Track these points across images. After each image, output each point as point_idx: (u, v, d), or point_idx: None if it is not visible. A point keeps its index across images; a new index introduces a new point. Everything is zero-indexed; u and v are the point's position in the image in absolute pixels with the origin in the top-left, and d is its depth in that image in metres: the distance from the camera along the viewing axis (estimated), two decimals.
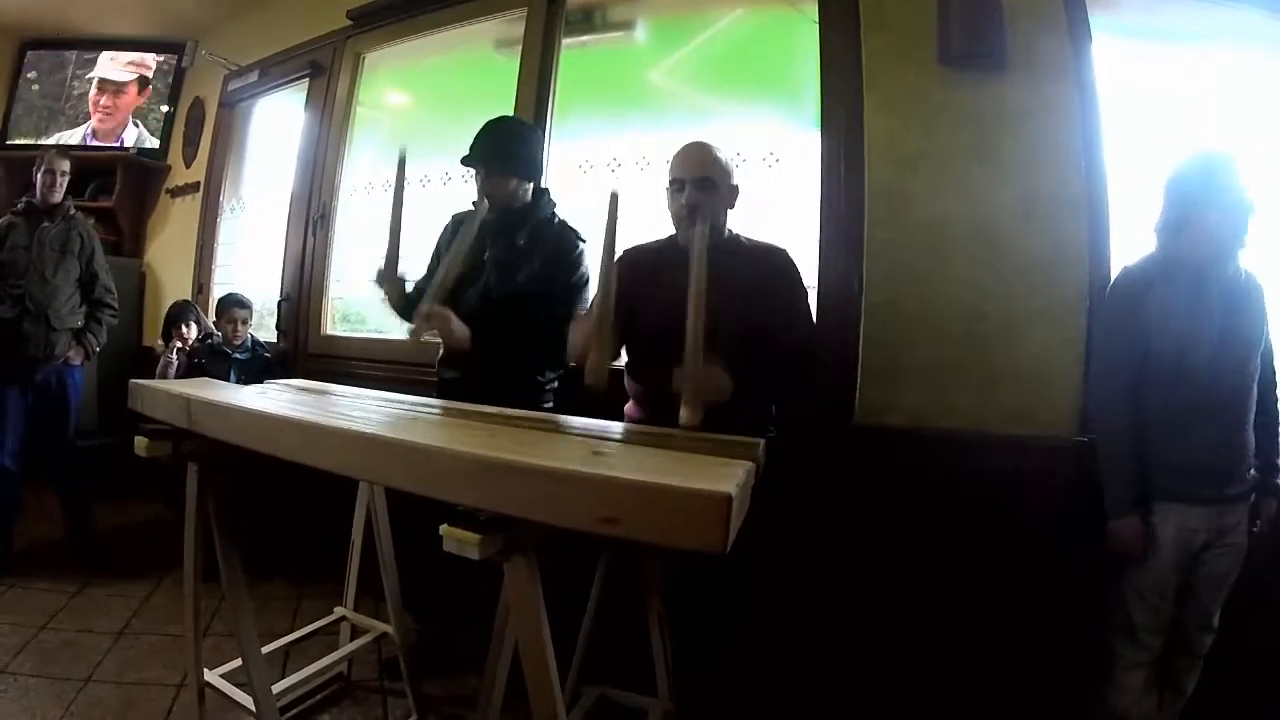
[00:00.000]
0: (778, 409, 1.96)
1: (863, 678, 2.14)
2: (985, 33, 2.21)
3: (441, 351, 2.33)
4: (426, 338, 2.08)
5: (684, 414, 1.52)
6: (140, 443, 1.57)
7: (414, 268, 2.25)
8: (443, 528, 1.03)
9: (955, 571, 2.12)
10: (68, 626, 2.60)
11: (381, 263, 2.11)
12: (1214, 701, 1.94)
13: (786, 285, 1.89)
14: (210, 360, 3.25)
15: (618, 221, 1.60)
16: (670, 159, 1.92)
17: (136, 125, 4.83)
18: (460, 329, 2.08)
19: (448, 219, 2.40)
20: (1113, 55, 2.27)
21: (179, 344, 3.49)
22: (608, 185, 2.76)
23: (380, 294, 2.15)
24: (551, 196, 2.33)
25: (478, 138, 2.19)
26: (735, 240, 1.94)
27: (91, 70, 4.84)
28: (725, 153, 1.89)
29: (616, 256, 1.92)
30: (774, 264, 1.91)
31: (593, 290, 2.17)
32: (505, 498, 1.00)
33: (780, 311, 1.84)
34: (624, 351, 1.99)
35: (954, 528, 2.12)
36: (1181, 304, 1.83)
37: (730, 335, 1.60)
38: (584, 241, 2.24)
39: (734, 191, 1.91)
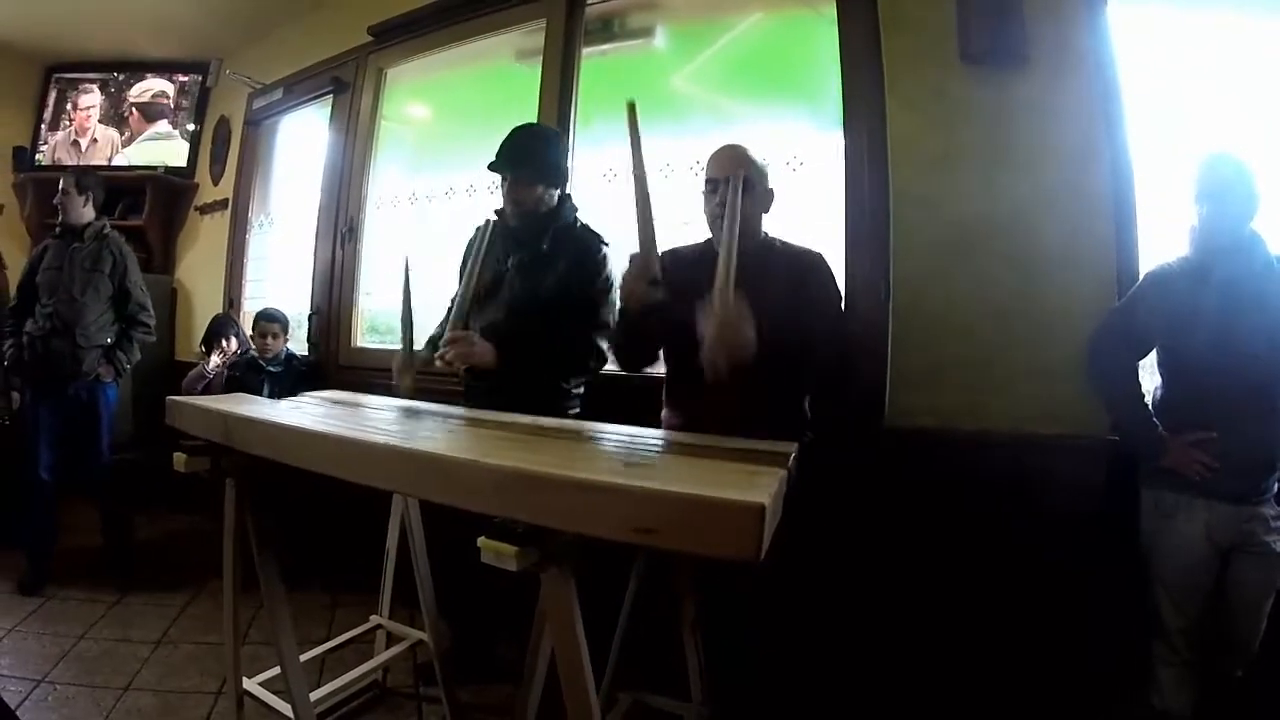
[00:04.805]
0: (814, 410, 1.95)
1: (895, 680, 2.13)
2: (1005, 29, 2.19)
3: None
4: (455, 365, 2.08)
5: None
6: (179, 459, 1.60)
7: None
8: (480, 540, 1.04)
9: (988, 573, 2.10)
10: (106, 636, 2.65)
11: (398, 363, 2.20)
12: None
13: (818, 287, 1.87)
14: (245, 373, 3.33)
15: (638, 128, 1.60)
16: (706, 162, 1.91)
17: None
18: (484, 348, 2.07)
19: (472, 231, 2.40)
20: (1132, 26, 2.23)
21: (216, 358, 3.56)
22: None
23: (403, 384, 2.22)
24: (574, 203, 2.33)
25: (504, 144, 2.18)
26: (769, 243, 1.92)
27: (125, 91, 4.97)
28: (760, 154, 1.88)
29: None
30: (807, 266, 1.89)
31: (617, 295, 2.18)
32: (540, 510, 1.01)
33: (810, 312, 1.80)
34: (662, 356, 1.99)
35: (987, 529, 2.10)
36: (1205, 300, 1.82)
37: (765, 338, 1.60)
38: (607, 245, 2.23)
39: (769, 194, 1.89)
